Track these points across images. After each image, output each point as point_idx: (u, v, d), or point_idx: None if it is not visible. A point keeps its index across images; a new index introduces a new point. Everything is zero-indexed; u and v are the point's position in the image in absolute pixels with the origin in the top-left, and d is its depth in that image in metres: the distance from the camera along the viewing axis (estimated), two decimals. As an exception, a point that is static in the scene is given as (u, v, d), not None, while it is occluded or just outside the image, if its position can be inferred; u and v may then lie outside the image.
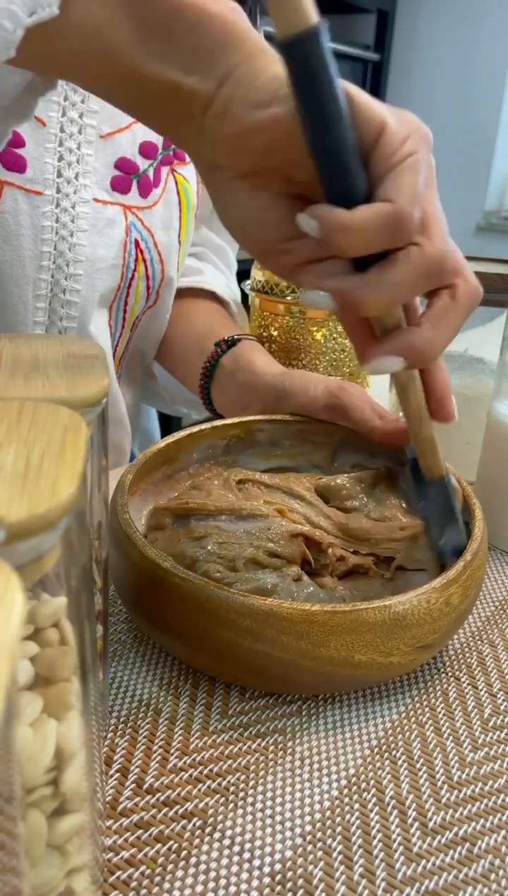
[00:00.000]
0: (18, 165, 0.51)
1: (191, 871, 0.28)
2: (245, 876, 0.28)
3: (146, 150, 0.58)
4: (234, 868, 0.28)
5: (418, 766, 0.33)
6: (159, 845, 0.29)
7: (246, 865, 0.28)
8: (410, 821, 0.30)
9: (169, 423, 1.04)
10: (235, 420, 0.50)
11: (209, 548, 0.39)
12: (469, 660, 0.40)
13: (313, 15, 0.26)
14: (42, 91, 0.36)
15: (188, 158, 0.62)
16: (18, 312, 0.55)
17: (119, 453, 0.68)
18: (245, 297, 0.70)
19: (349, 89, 0.28)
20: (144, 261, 0.60)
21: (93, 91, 0.33)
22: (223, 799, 0.31)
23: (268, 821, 0.30)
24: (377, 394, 0.70)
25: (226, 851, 0.28)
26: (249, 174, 0.31)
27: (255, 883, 0.27)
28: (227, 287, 0.72)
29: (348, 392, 0.49)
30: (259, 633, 0.32)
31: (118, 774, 0.32)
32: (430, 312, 0.31)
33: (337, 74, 0.27)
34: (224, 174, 0.31)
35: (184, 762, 0.32)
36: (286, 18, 0.26)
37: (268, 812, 0.30)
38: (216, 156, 0.31)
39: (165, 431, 0.91)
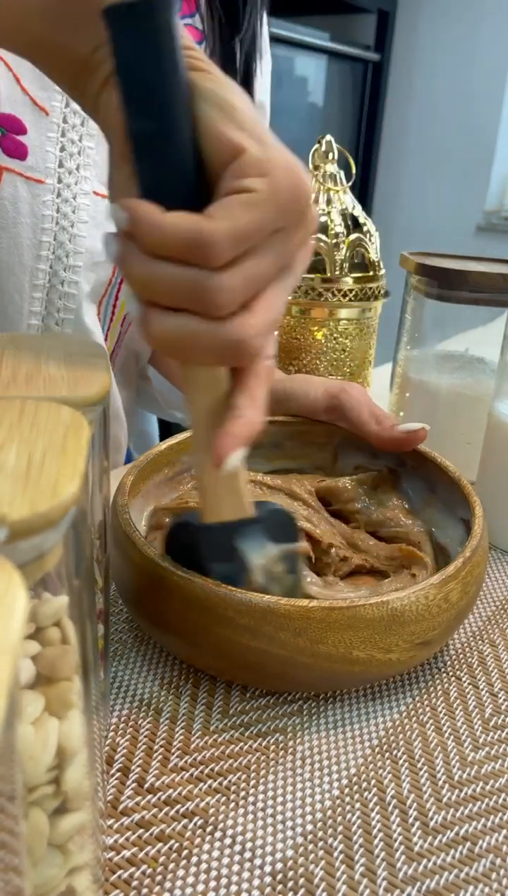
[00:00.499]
0: (19, 152, 0.51)
1: (193, 870, 0.28)
2: (246, 875, 0.28)
3: None
4: (235, 867, 0.28)
5: (419, 765, 0.33)
6: (160, 844, 0.29)
7: (247, 865, 0.28)
8: (411, 820, 0.30)
9: (169, 426, 1.04)
10: None
11: None
12: (469, 659, 0.40)
13: None
14: None
15: None
16: (14, 302, 0.55)
17: (115, 448, 0.68)
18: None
19: (226, 97, 0.27)
20: None
21: (11, 50, 0.32)
22: (224, 798, 0.31)
23: (270, 820, 0.30)
24: (377, 395, 0.70)
25: (228, 851, 0.28)
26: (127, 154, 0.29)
27: (256, 882, 0.27)
28: None
29: (347, 393, 0.49)
30: (257, 629, 0.32)
31: (119, 773, 0.32)
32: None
33: (172, 60, 0.25)
34: (112, 150, 0.30)
35: (185, 761, 0.32)
36: None
37: (270, 811, 0.30)
38: (107, 131, 0.30)
39: (164, 434, 0.91)
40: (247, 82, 0.65)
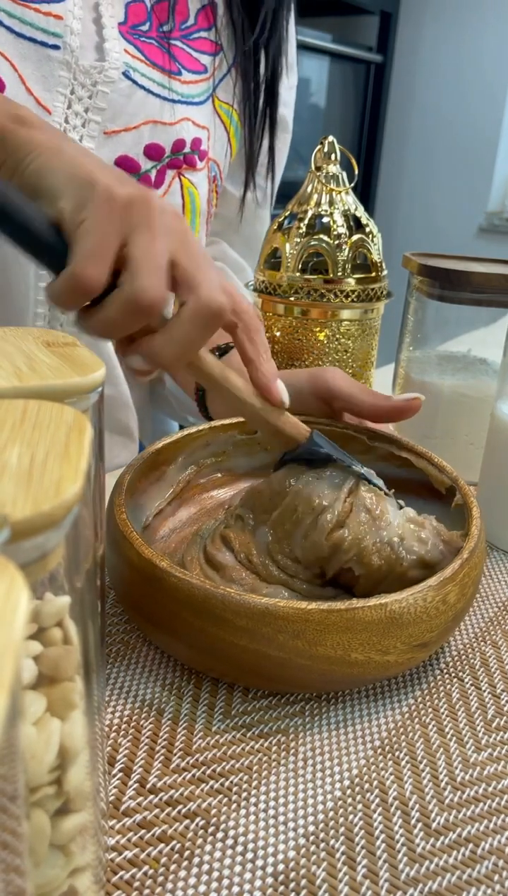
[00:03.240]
0: None
1: (194, 871, 0.28)
2: (248, 876, 0.27)
3: (151, 152, 0.59)
4: (237, 868, 0.28)
5: (421, 766, 0.33)
6: (162, 845, 0.29)
7: (249, 866, 0.28)
8: (413, 821, 0.30)
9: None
10: (234, 420, 0.50)
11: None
12: (472, 660, 0.40)
13: None
14: None
15: (200, 164, 0.62)
16: (20, 292, 0.55)
17: (128, 436, 0.68)
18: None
19: (35, 178, 0.34)
20: None
21: None
22: (226, 799, 0.31)
23: (271, 821, 0.30)
24: (379, 395, 0.70)
25: (229, 851, 0.28)
26: None
27: (258, 883, 0.27)
28: None
29: (330, 373, 0.49)
30: (255, 631, 0.32)
31: (121, 774, 0.32)
32: (164, 324, 0.36)
33: (18, 204, 0.32)
34: None
35: (187, 762, 0.32)
36: None
37: (271, 812, 0.30)
38: None
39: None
40: (271, 94, 0.65)
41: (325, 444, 0.42)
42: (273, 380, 0.40)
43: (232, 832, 0.29)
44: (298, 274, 0.61)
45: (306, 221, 0.61)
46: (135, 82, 0.56)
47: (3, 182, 0.33)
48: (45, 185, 0.34)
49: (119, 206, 0.34)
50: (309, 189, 0.63)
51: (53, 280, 0.34)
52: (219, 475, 0.52)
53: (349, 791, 0.31)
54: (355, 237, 0.61)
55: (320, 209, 0.61)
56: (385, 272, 0.64)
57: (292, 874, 0.28)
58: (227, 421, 0.50)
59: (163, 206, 0.36)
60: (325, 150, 0.62)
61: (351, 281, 0.61)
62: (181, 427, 0.92)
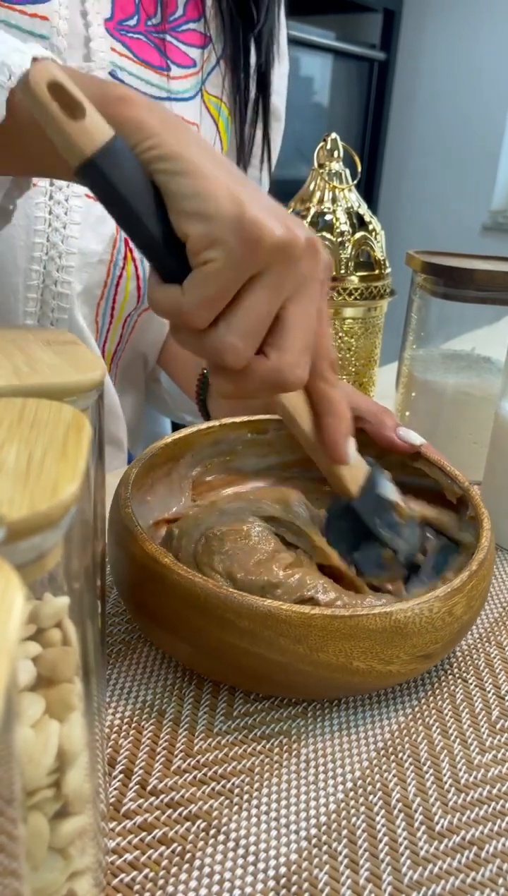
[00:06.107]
0: None
1: (195, 874, 0.27)
2: (249, 879, 0.27)
3: None
4: (239, 871, 0.27)
5: (424, 768, 0.33)
6: (163, 848, 0.28)
7: (250, 869, 0.28)
8: (417, 824, 0.30)
9: (179, 427, 1.03)
10: (245, 419, 0.50)
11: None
12: (476, 661, 0.40)
13: (86, 146, 0.28)
14: (18, 194, 0.39)
15: None
16: (9, 302, 0.55)
17: (117, 446, 0.68)
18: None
19: (173, 190, 0.29)
20: (134, 260, 0.60)
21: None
22: (227, 801, 0.30)
23: (273, 823, 0.30)
24: (382, 394, 0.70)
25: (231, 854, 0.28)
26: None
27: (260, 886, 0.27)
28: None
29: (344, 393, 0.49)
30: (256, 634, 0.32)
31: (122, 776, 0.31)
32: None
33: (137, 186, 0.29)
34: None
35: (189, 764, 0.32)
36: (66, 150, 0.28)
37: (273, 815, 0.30)
38: None
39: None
40: (263, 83, 0.64)
41: (371, 509, 0.41)
42: (344, 439, 0.37)
43: (233, 835, 0.29)
44: (301, 272, 0.60)
45: (309, 219, 0.60)
46: (122, 82, 0.55)
47: (129, 169, 0.29)
48: (173, 189, 0.30)
49: (265, 251, 0.29)
50: (311, 186, 0.62)
51: (156, 289, 0.31)
52: (225, 475, 0.51)
53: (352, 793, 0.31)
54: (358, 235, 0.61)
55: (323, 206, 0.61)
56: (388, 270, 0.63)
57: (294, 877, 0.27)
58: (238, 419, 0.50)
59: (327, 260, 0.33)
60: (328, 147, 0.62)
61: (355, 279, 0.60)
62: (174, 425, 0.92)
